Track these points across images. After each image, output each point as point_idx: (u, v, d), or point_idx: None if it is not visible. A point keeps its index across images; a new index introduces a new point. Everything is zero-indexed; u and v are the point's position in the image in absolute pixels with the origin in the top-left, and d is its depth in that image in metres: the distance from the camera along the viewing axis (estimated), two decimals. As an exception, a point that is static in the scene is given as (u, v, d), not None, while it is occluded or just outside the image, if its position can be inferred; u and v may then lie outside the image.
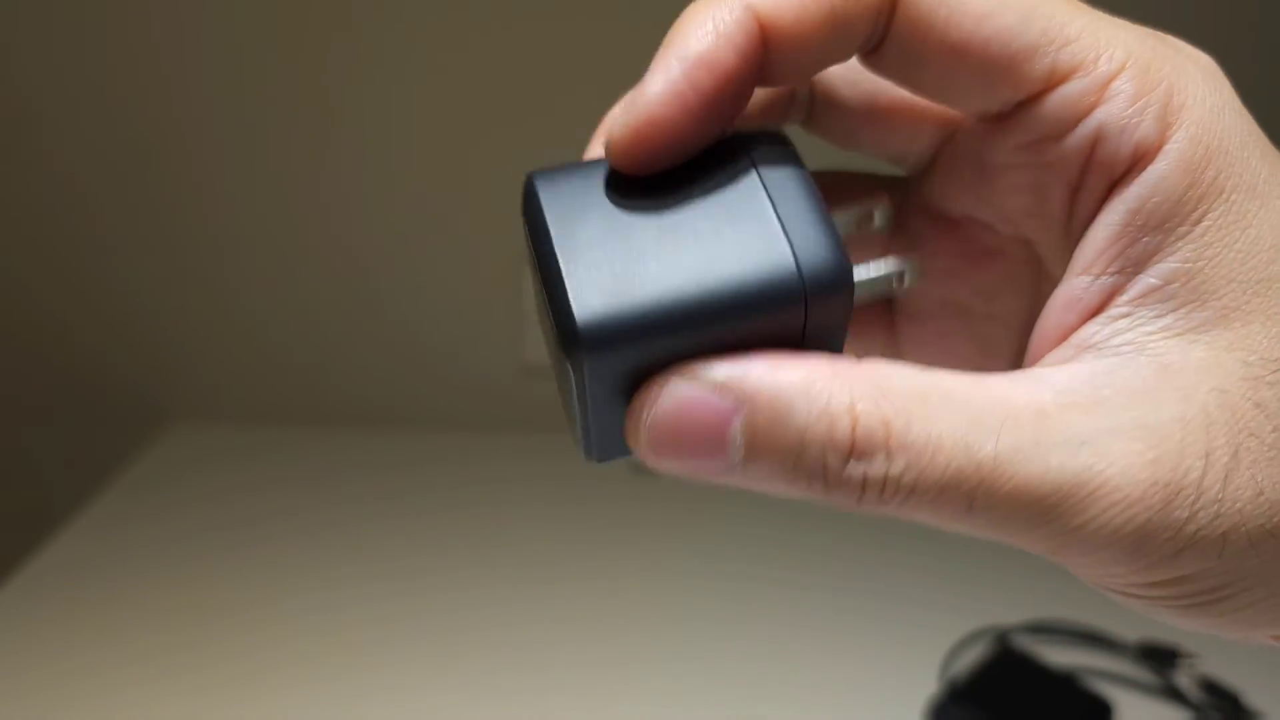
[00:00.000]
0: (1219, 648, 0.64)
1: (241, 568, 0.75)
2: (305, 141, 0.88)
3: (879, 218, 0.22)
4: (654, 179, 0.19)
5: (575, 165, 0.19)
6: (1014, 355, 0.25)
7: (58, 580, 0.74)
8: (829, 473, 0.17)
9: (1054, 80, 0.18)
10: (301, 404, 0.98)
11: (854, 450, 0.16)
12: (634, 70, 0.20)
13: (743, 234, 0.18)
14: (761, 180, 0.19)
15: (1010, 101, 0.19)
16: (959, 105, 0.20)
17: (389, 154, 0.88)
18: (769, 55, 0.19)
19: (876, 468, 0.16)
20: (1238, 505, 0.16)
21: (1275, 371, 0.17)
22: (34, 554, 0.76)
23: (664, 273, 0.17)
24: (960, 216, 0.23)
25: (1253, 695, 0.61)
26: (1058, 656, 0.64)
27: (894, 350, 0.24)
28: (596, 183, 0.19)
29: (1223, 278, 0.17)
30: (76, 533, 0.80)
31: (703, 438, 0.17)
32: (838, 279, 0.18)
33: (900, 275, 0.20)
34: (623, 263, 0.18)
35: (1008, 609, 0.68)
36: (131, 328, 0.96)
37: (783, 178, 0.19)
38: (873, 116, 0.22)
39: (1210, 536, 0.16)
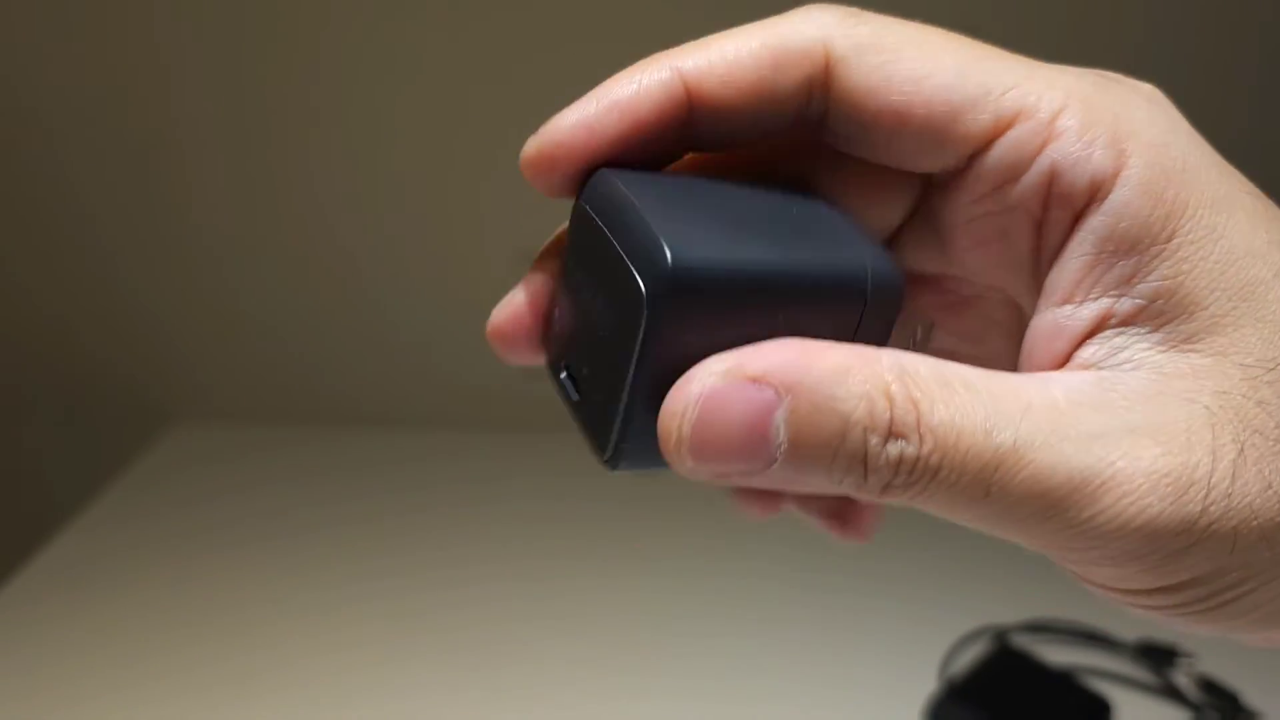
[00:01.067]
0: (1218, 647, 0.64)
1: (241, 567, 0.75)
2: (304, 142, 0.88)
3: (920, 332, 0.24)
4: (731, 183, 0.20)
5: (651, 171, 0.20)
6: None
7: (58, 580, 0.74)
8: (869, 456, 0.17)
9: (1000, 128, 0.18)
10: (301, 404, 0.98)
11: (892, 430, 0.16)
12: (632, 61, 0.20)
13: (823, 234, 0.19)
14: (833, 206, 0.21)
15: (962, 155, 0.19)
16: (914, 165, 0.20)
17: (388, 154, 0.88)
18: (695, 117, 0.19)
19: (910, 448, 0.16)
20: (1247, 499, 0.17)
21: (1271, 370, 0.17)
22: (34, 554, 0.76)
23: (750, 241, 0.18)
24: (934, 274, 0.23)
25: (1252, 695, 0.61)
26: (1056, 656, 0.64)
27: None
28: (675, 179, 0.20)
29: (1204, 289, 0.17)
30: (76, 533, 0.80)
31: (744, 434, 0.17)
32: (897, 284, 0.20)
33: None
34: (707, 228, 0.18)
35: (1007, 608, 0.68)
36: (131, 328, 0.96)
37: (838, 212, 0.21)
38: (839, 186, 0.23)
39: (1222, 530, 0.17)
